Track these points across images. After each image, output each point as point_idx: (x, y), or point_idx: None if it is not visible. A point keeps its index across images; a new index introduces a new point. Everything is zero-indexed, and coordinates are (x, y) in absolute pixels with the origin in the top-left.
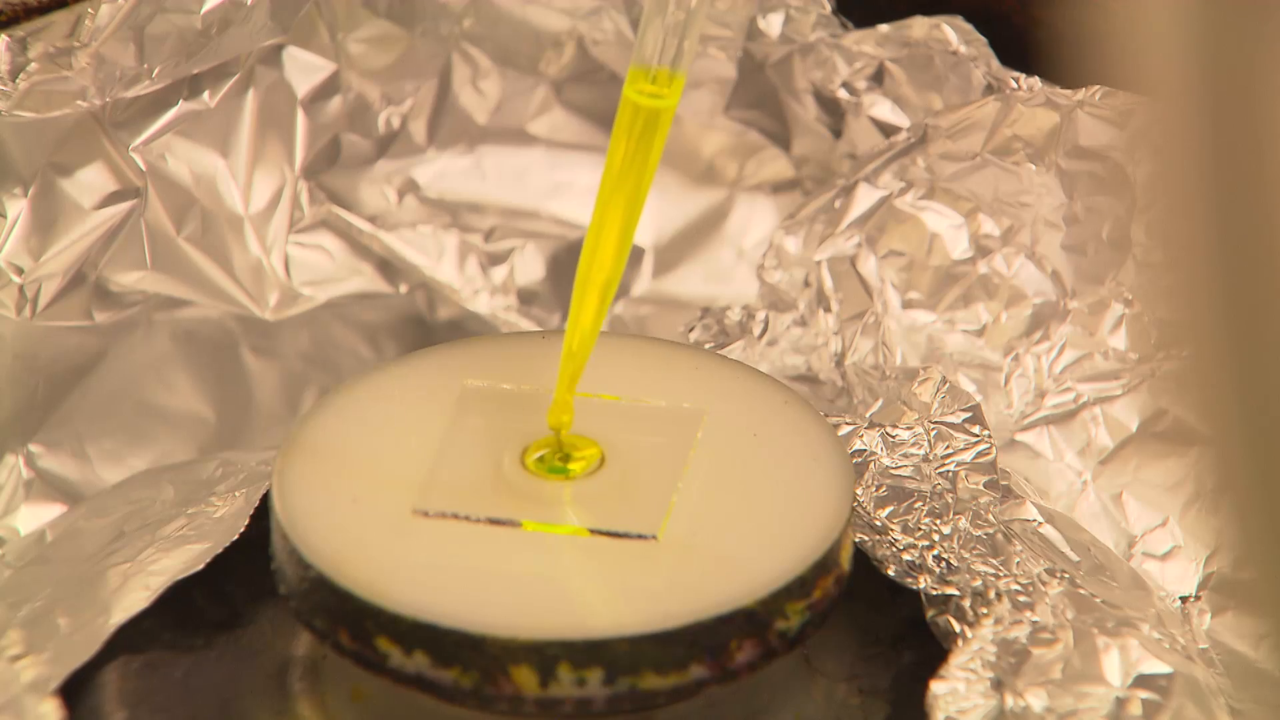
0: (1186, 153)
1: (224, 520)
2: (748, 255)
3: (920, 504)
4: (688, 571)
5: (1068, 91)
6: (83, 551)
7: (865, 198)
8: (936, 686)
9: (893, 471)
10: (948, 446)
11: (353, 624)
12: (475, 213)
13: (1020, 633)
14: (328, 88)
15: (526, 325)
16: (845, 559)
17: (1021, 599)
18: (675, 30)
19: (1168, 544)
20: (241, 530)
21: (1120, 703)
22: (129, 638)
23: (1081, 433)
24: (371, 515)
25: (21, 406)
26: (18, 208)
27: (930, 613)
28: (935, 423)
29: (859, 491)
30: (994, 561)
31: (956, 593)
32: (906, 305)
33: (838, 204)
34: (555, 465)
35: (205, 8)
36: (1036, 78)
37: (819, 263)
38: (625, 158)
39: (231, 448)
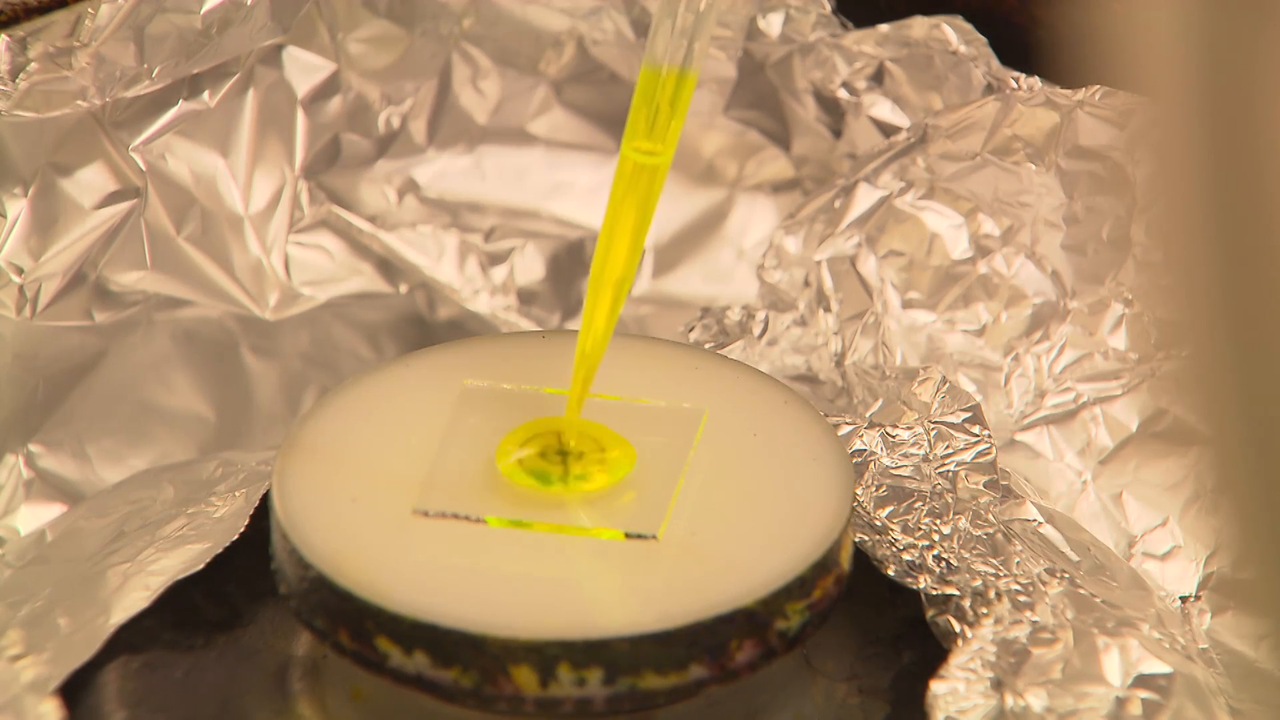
0: (1186, 153)
1: (224, 520)
2: (748, 255)
3: (920, 504)
4: (688, 571)
5: (1068, 91)
6: (83, 551)
7: (865, 198)
8: (936, 686)
9: (893, 471)
10: (948, 446)
11: (353, 624)
12: (475, 213)
13: (1020, 633)
14: (328, 88)
15: (526, 325)
16: (845, 559)
17: (1021, 599)
18: (684, 33)
19: (1168, 544)
20: (241, 530)
21: (1120, 703)
22: (129, 638)
23: (1081, 433)
24: (371, 515)
25: (21, 406)
26: (18, 208)
27: (930, 613)
28: (935, 423)
29: (859, 491)
30: (994, 561)
31: (956, 593)
32: (906, 305)
33: (838, 204)
34: (552, 466)
35: (205, 8)
36: (1036, 78)
37: (819, 263)
38: (634, 170)
39: (231, 448)
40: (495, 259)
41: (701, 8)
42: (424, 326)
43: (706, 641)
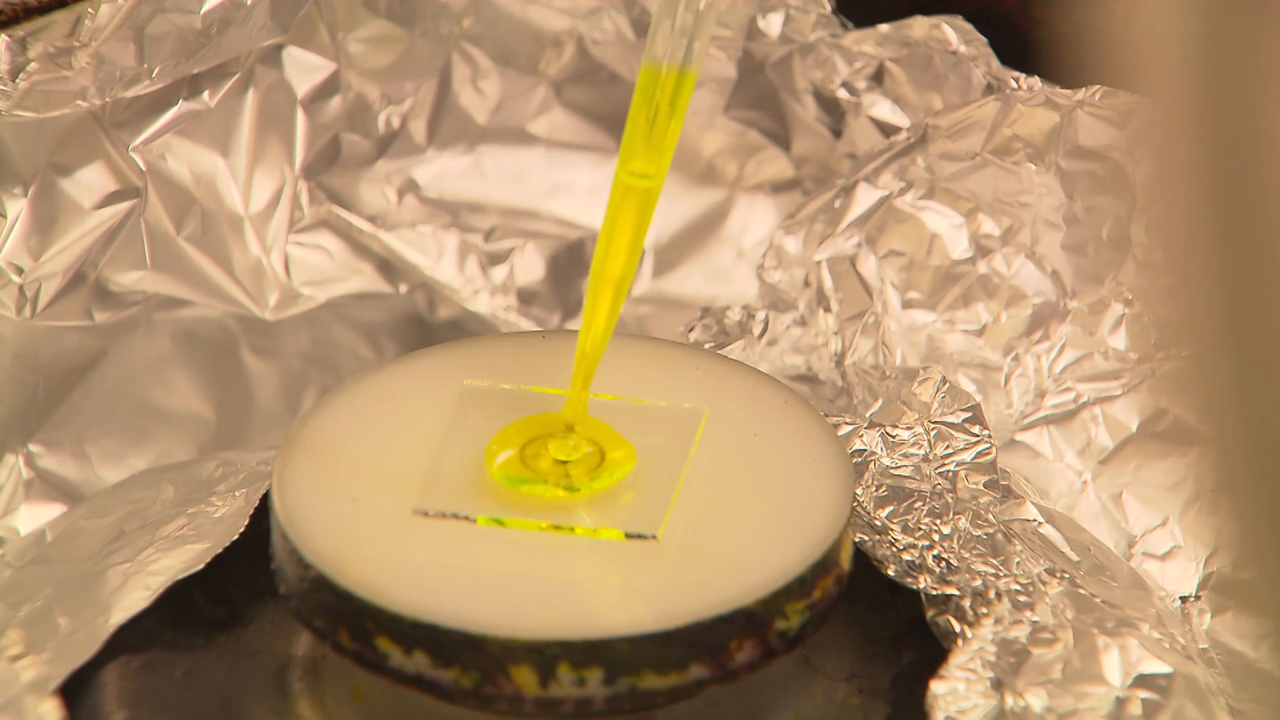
0: (1186, 153)
1: (224, 520)
2: (748, 255)
3: (920, 504)
4: (688, 571)
5: (1068, 91)
6: (83, 551)
7: (865, 198)
8: (936, 686)
9: (893, 471)
10: (948, 446)
11: (353, 624)
12: (475, 213)
13: (1020, 633)
14: (328, 88)
15: (526, 325)
16: (845, 559)
17: (1021, 599)
18: (684, 32)
19: (1168, 544)
20: (241, 530)
21: (1120, 703)
22: (129, 638)
23: (1081, 433)
24: (371, 515)
25: (21, 406)
26: (18, 208)
27: (930, 613)
28: (935, 423)
29: (859, 491)
30: (994, 561)
31: (956, 593)
32: (906, 305)
33: (838, 204)
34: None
35: (205, 8)
36: (1036, 78)
37: (819, 263)
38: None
39: (231, 448)
40: (495, 259)
41: (701, 7)
42: (424, 326)
43: (706, 641)
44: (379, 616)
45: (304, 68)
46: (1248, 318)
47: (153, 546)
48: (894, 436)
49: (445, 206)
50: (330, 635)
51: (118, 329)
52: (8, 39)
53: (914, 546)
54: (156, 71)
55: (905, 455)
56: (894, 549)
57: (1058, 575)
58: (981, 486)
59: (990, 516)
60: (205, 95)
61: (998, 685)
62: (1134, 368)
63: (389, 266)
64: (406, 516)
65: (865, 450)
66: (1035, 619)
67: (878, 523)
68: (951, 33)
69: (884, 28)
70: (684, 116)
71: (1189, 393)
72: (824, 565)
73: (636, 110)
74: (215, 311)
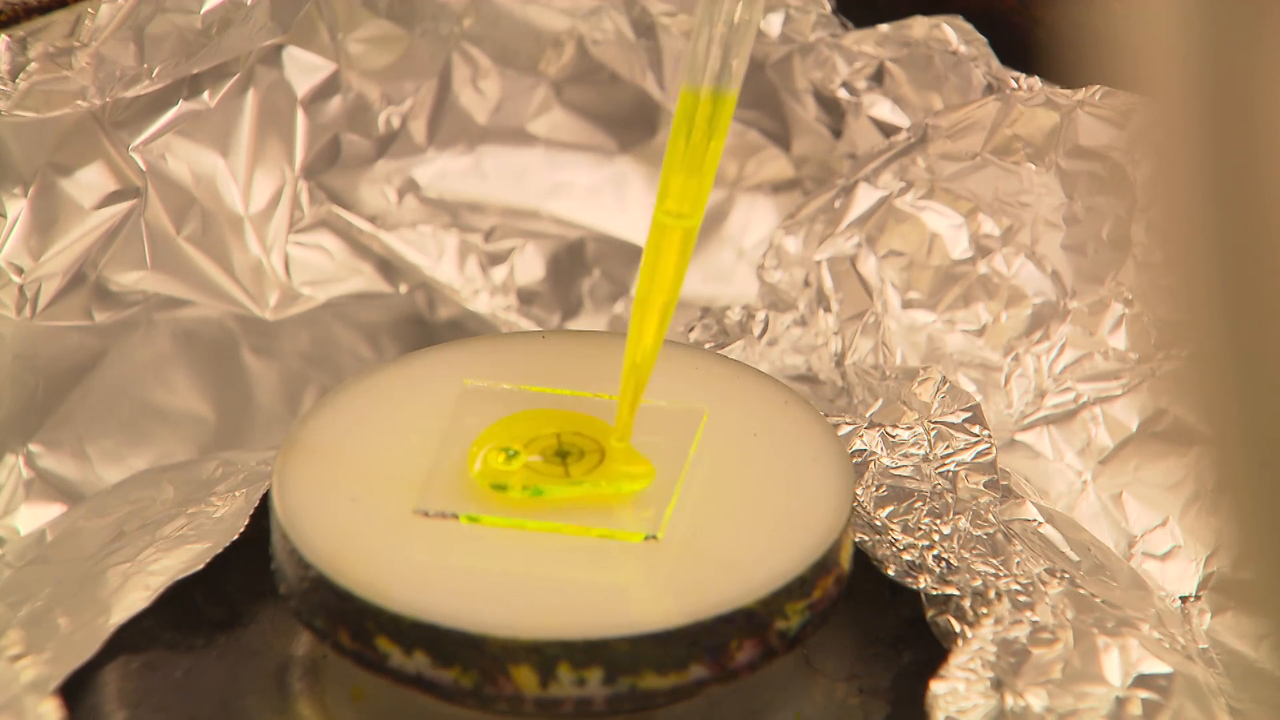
0: (1186, 153)
1: (224, 520)
2: (748, 255)
3: (920, 504)
4: (688, 571)
5: (1068, 91)
6: (83, 551)
7: (865, 198)
8: (936, 686)
9: (893, 471)
10: (948, 446)
11: (353, 624)
12: (475, 213)
13: (1020, 633)
14: (328, 88)
15: (526, 325)
16: (845, 559)
17: (1021, 599)
18: (720, 43)
19: (1168, 544)
20: (241, 530)
21: (1120, 703)
22: (129, 638)
23: (1081, 433)
24: (371, 515)
25: (21, 406)
26: (18, 208)
27: (930, 613)
28: (935, 423)
29: (859, 491)
30: (994, 561)
31: (956, 593)
32: (906, 305)
33: (838, 204)
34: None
35: (205, 8)
36: (1036, 78)
37: (819, 263)
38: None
39: (231, 448)
40: (495, 259)
41: (735, 20)
42: (424, 326)
43: (706, 641)
44: (379, 616)
45: (304, 68)
46: (1248, 318)
47: (153, 546)
48: (894, 436)
49: (445, 206)
50: (330, 635)
51: (118, 329)
52: (8, 39)
53: (914, 546)
54: (156, 71)
55: (905, 455)
56: (894, 549)
57: (1058, 575)
58: (981, 486)
59: (990, 516)
60: (205, 95)
61: (998, 685)
62: (1134, 368)
63: (389, 266)
64: (406, 516)
65: (865, 450)
66: (1035, 619)
67: (878, 523)
68: (951, 33)
69: (884, 28)
70: (724, 138)
71: (1189, 393)
72: (824, 565)
73: (676, 136)
74: (215, 311)
